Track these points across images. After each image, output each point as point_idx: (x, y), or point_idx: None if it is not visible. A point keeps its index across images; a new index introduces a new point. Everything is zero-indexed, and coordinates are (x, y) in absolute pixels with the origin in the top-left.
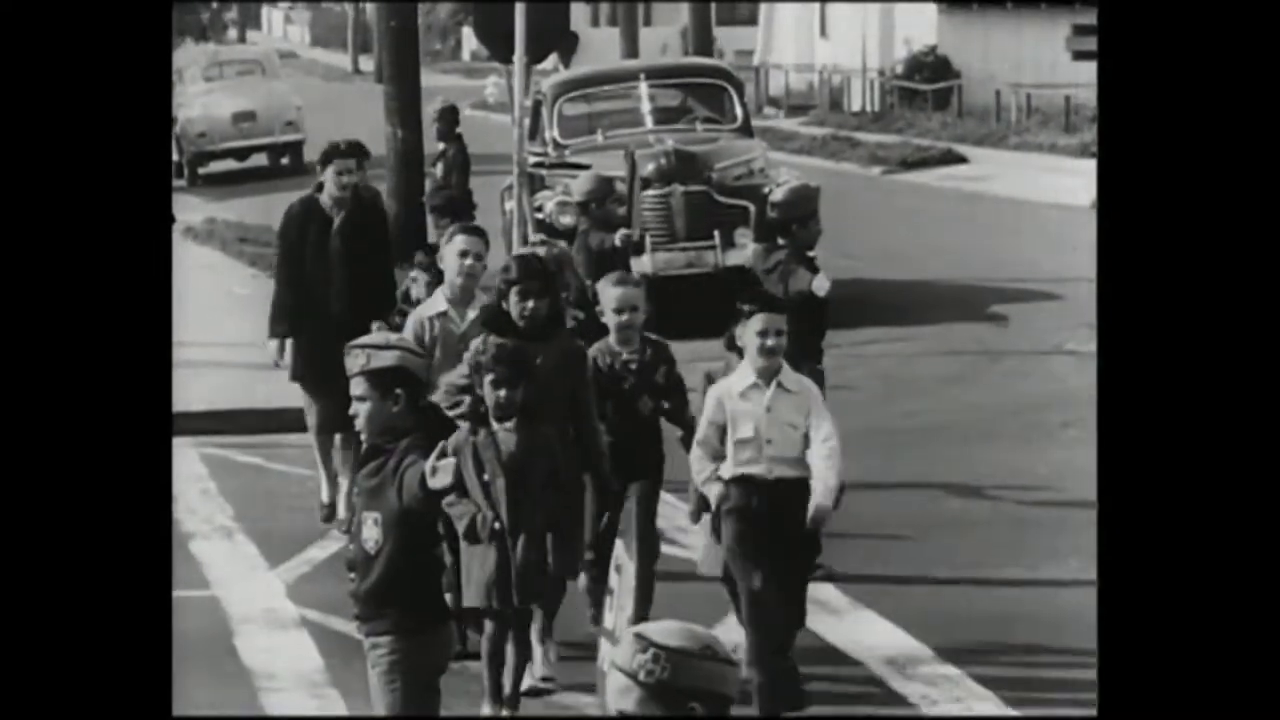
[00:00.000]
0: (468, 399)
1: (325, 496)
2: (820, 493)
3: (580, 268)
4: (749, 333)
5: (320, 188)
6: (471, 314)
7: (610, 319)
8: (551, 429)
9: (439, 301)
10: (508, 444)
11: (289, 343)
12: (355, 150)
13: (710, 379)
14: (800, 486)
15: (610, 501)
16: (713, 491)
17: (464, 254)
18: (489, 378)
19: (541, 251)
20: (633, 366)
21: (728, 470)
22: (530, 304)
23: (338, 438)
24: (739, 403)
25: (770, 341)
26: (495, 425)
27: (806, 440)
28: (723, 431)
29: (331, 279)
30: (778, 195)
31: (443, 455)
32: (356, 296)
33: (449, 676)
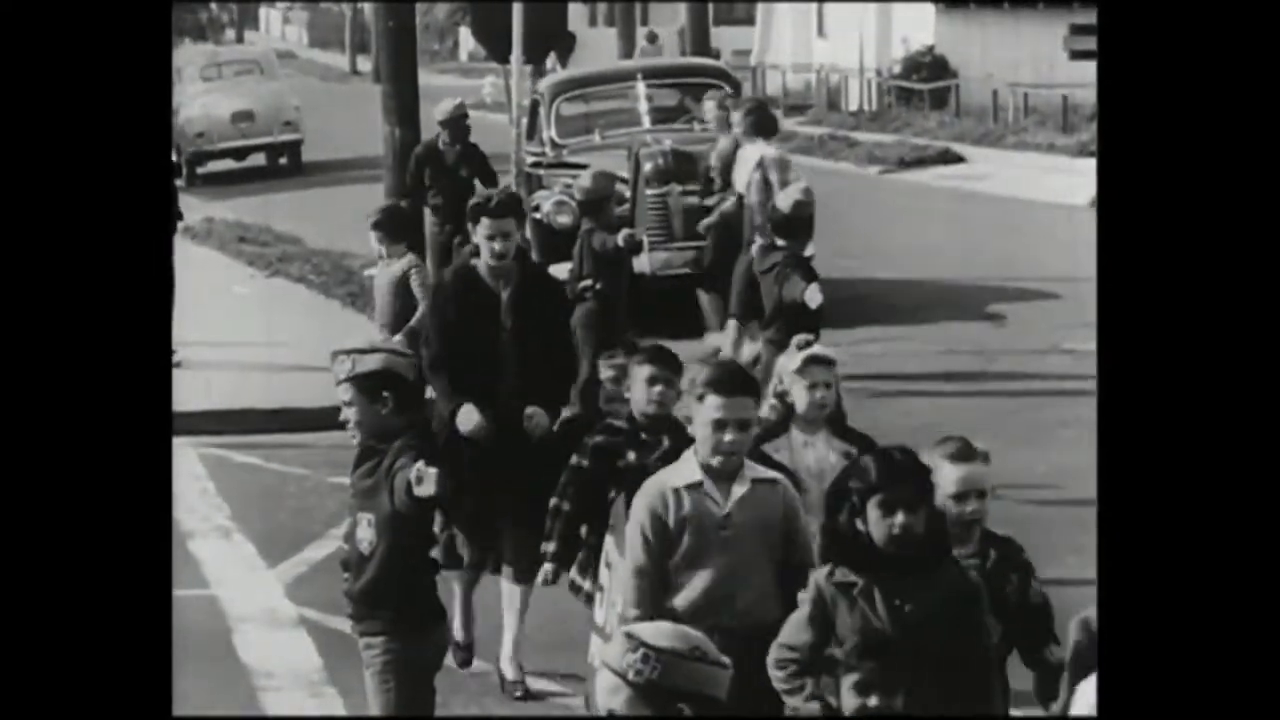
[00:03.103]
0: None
1: (460, 634)
2: None
3: (582, 268)
4: None
5: (476, 252)
6: (739, 490)
7: (949, 505)
8: None
9: (690, 468)
10: None
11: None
12: (510, 207)
13: None
14: None
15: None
16: None
17: (721, 424)
18: (853, 677)
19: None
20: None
21: None
22: (899, 520)
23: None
24: None
25: None
26: None
27: None
28: None
29: (500, 371)
30: (789, 198)
31: (429, 463)
32: (531, 393)
33: (444, 675)
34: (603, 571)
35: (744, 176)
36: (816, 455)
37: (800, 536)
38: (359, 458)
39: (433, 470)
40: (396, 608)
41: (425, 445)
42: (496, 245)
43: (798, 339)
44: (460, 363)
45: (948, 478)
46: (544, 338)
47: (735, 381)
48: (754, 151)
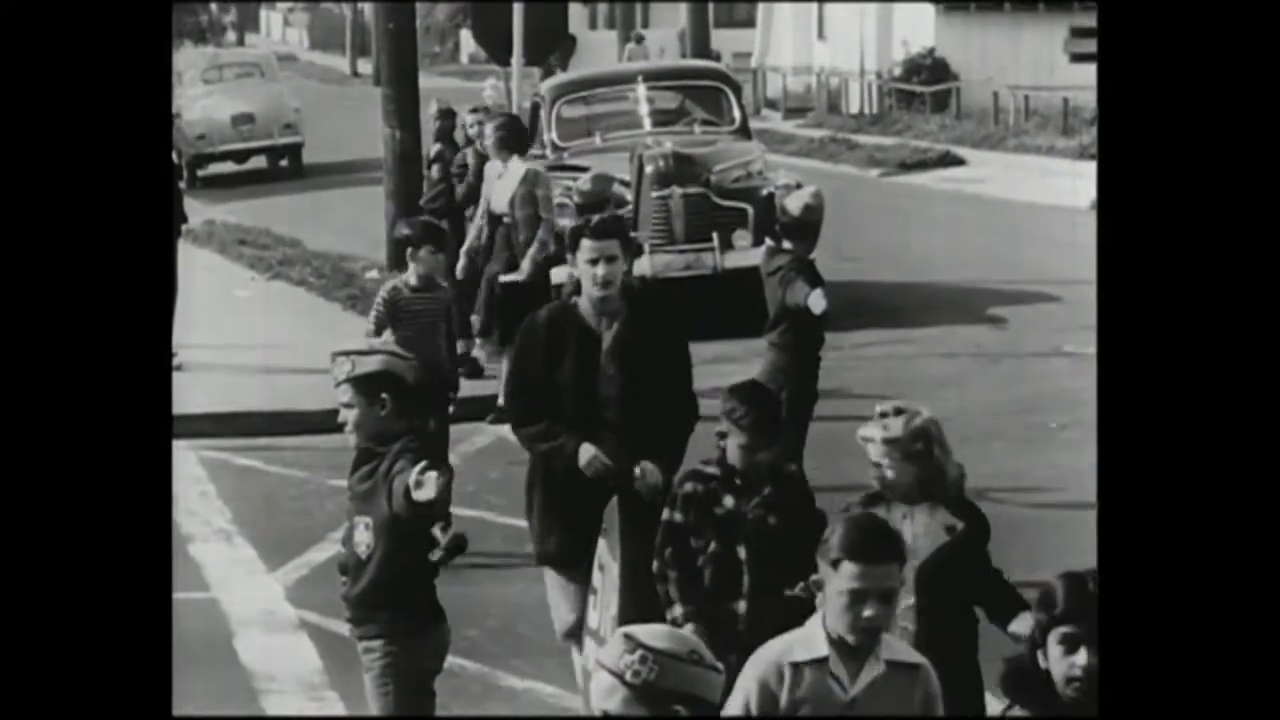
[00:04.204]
0: None
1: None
2: None
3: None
4: None
5: (577, 288)
6: (872, 672)
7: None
8: None
9: (815, 639)
10: None
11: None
12: (613, 228)
13: None
14: None
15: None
16: None
17: (860, 595)
18: None
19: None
20: None
21: None
22: (1082, 660)
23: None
24: None
25: None
26: None
27: None
28: None
29: (600, 424)
30: (799, 201)
31: (427, 468)
32: (638, 448)
33: (443, 678)
34: (595, 574)
35: (504, 193)
36: (914, 530)
37: None
38: (357, 461)
39: (432, 474)
40: (394, 611)
41: (424, 449)
42: (600, 270)
43: (879, 406)
44: (553, 415)
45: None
46: (656, 386)
47: (878, 545)
48: (515, 167)
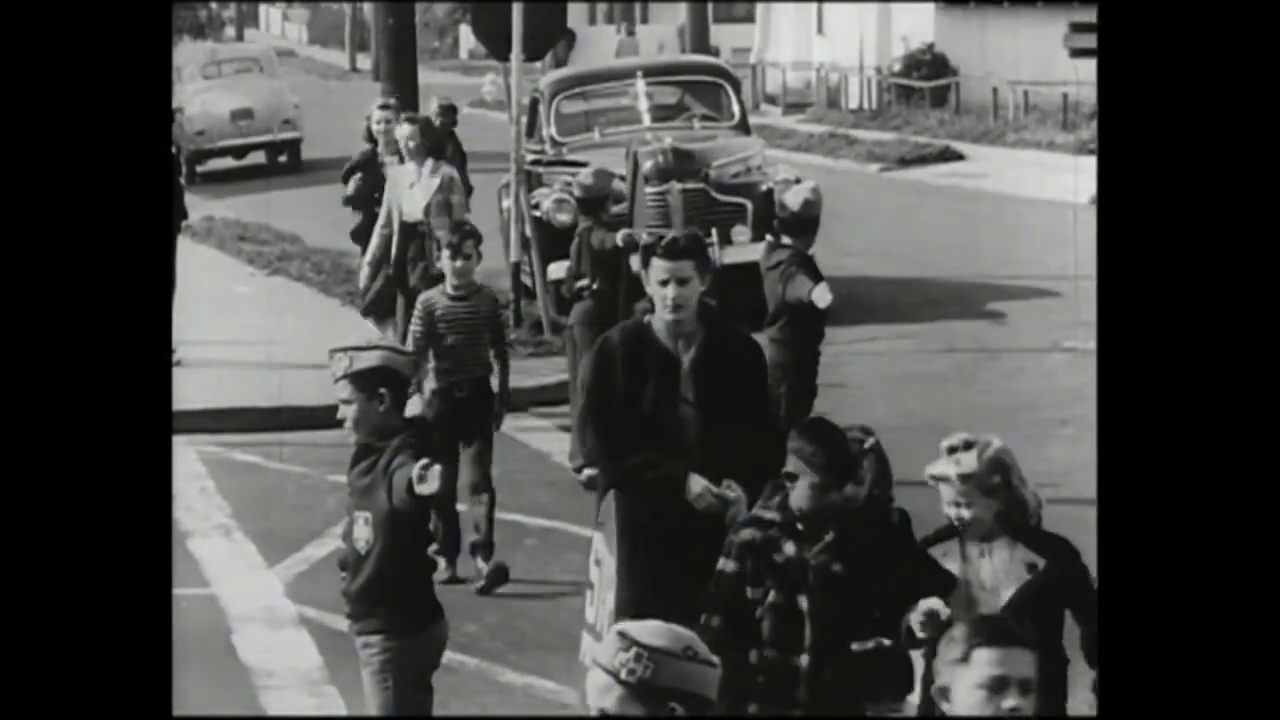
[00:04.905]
0: None
1: None
2: None
3: (580, 266)
4: None
5: (650, 306)
6: None
7: None
8: None
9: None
10: None
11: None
12: (688, 248)
13: None
14: None
15: None
16: None
17: (1000, 683)
18: None
19: None
20: None
21: None
22: None
23: None
24: None
25: None
26: None
27: None
28: None
29: (679, 452)
30: (799, 196)
31: (431, 463)
32: (719, 478)
33: (442, 674)
34: (591, 569)
35: (419, 201)
36: (993, 567)
37: None
38: (356, 456)
39: (437, 467)
40: (393, 606)
41: (422, 443)
42: (671, 293)
43: (945, 441)
44: (630, 441)
45: None
46: (736, 412)
47: (1014, 630)
48: (429, 174)
